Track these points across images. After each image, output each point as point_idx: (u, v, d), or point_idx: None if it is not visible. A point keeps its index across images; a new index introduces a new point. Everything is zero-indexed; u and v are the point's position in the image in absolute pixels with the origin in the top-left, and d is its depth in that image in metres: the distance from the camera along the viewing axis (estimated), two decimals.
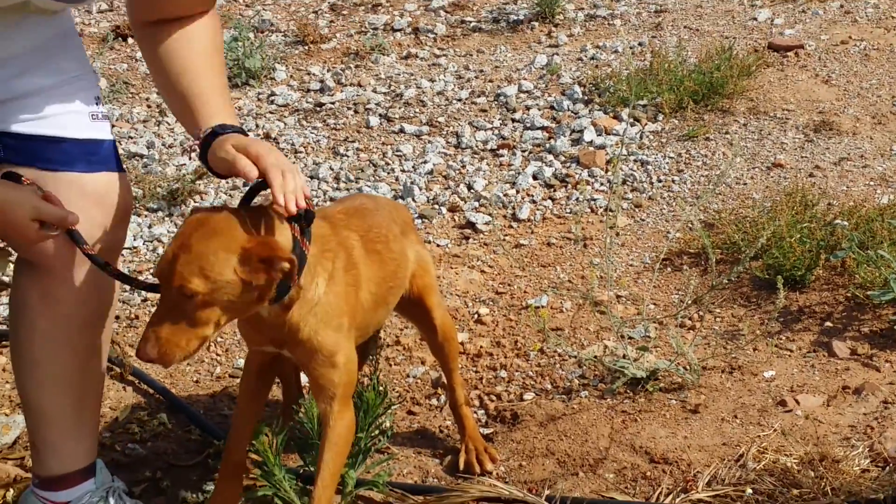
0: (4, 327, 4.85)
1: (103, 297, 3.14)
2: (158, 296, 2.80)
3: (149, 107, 7.31)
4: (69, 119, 3.00)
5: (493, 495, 3.53)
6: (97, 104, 3.09)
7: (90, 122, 3.05)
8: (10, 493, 3.65)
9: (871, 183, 5.76)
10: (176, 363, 2.79)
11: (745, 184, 5.86)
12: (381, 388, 3.51)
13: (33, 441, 3.26)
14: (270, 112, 7.15)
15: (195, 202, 5.93)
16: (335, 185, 6.13)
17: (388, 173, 6.24)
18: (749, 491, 3.53)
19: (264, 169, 2.75)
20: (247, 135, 2.94)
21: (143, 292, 4.87)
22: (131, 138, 6.75)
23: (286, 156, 6.48)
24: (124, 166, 3.22)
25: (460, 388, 3.87)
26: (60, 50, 2.99)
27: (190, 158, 2.98)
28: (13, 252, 3.19)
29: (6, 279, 4.07)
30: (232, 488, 3.39)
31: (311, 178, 6.23)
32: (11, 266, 3.29)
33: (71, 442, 3.24)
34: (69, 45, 3.04)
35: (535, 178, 6.08)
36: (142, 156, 6.52)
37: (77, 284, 3.05)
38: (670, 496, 3.56)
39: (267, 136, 6.77)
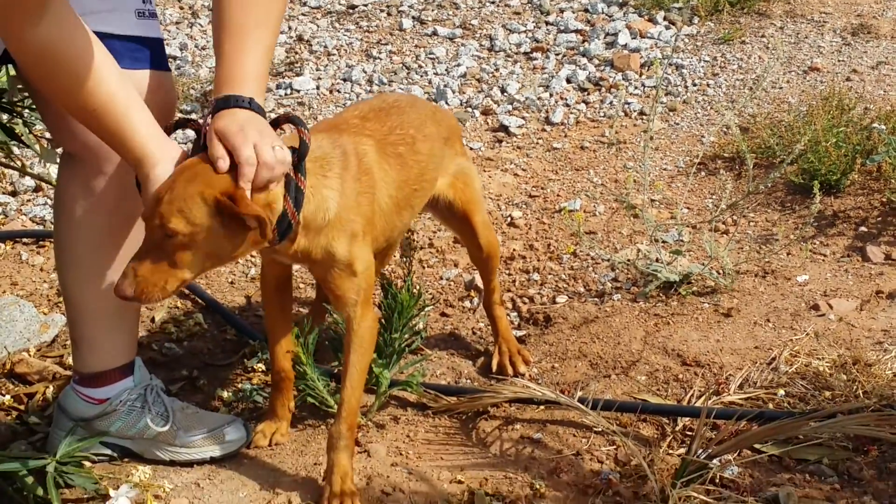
0: (42, 228, 4.90)
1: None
2: None
3: (181, 8, 7.29)
4: (115, 16, 2.99)
5: (526, 396, 3.56)
6: (145, 2, 3.08)
7: (136, 20, 3.04)
8: (50, 390, 3.71)
9: None
10: (153, 302, 2.79)
11: (781, 88, 5.81)
12: (414, 290, 3.52)
13: (73, 338, 3.29)
14: (303, 14, 7.11)
15: None
16: (368, 88, 6.12)
17: (421, 76, 6.21)
18: (781, 393, 3.54)
19: (238, 163, 2.75)
20: (248, 108, 2.88)
21: None
22: (164, 40, 6.72)
23: (319, 58, 6.48)
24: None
25: (496, 291, 3.88)
26: None
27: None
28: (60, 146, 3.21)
29: (50, 178, 4.10)
30: (284, 394, 3.46)
31: (344, 80, 6.21)
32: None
33: (110, 339, 3.27)
34: None
35: (568, 81, 6.05)
36: (175, 58, 6.51)
37: (118, 179, 3.07)
38: (702, 398, 3.57)
39: (300, 39, 6.74)
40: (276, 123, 2.95)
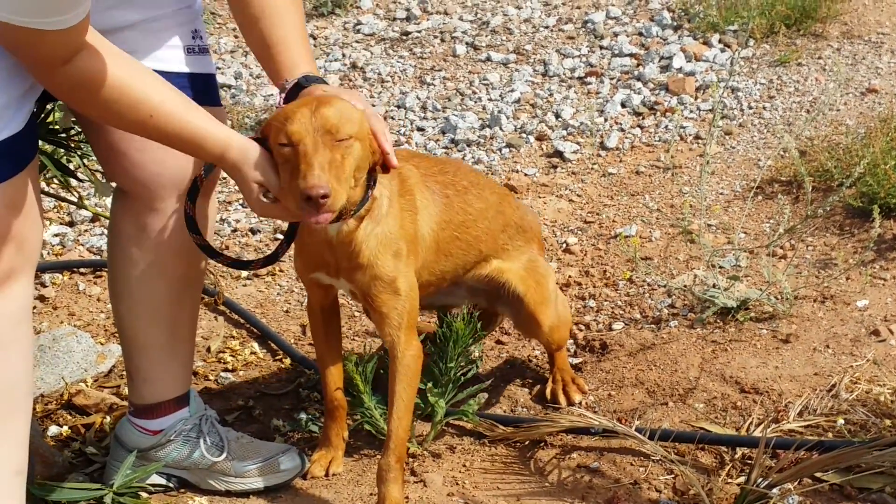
0: (99, 258, 4.93)
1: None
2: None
3: (236, 37, 7.33)
4: (165, 53, 3.01)
5: (583, 425, 3.54)
6: (195, 38, 3.09)
7: (185, 56, 3.06)
8: (107, 421, 3.73)
9: None
10: (331, 210, 2.75)
11: (839, 110, 5.76)
12: (470, 319, 3.51)
13: (129, 370, 3.31)
14: (357, 41, 7.14)
15: None
16: (422, 115, 6.13)
17: (475, 102, 6.21)
18: (840, 421, 3.50)
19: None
20: (326, 83, 3.02)
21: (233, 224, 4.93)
22: (219, 69, 6.78)
23: (373, 85, 6.50)
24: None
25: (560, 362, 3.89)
26: None
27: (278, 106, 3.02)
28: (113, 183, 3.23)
29: (105, 211, 4.13)
30: (338, 423, 3.47)
31: (398, 107, 6.22)
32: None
33: (165, 371, 3.29)
34: None
35: (623, 105, 6.03)
36: (229, 86, 6.55)
37: (170, 214, 3.08)
38: (761, 426, 3.53)
39: (353, 66, 6.77)
40: None
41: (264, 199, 2.86)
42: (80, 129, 3.53)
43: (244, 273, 4.73)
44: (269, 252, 3.20)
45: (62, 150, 3.64)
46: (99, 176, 3.67)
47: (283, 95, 3.01)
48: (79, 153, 3.68)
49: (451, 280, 3.52)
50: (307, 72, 3.04)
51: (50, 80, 2.59)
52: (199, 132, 2.78)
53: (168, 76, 2.95)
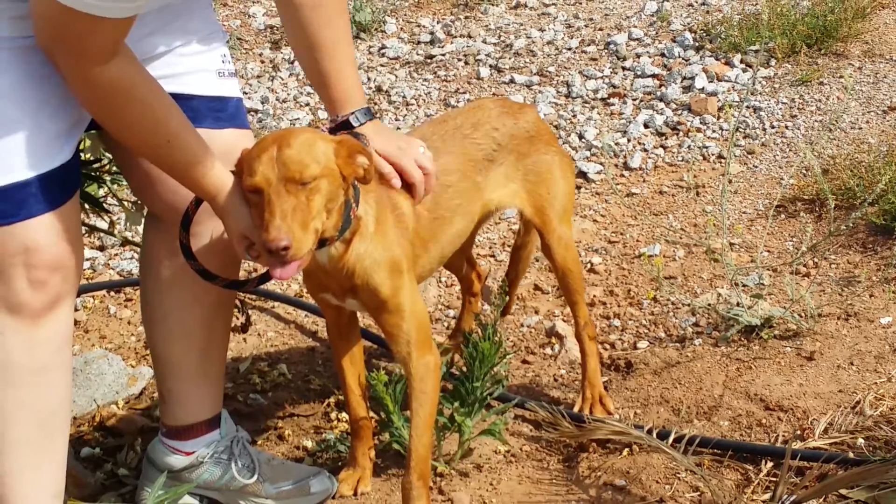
0: (126, 278, 4.98)
1: (229, 251, 3.22)
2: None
3: (262, 62, 7.40)
4: (196, 77, 3.07)
5: (624, 431, 3.53)
6: (224, 62, 3.16)
7: (217, 80, 3.11)
8: (139, 442, 3.77)
9: None
10: (299, 257, 2.76)
11: (861, 128, 5.78)
12: (496, 339, 3.54)
13: (161, 391, 3.35)
14: (381, 65, 7.19)
15: None
16: None
17: None
18: (861, 441, 3.51)
19: (411, 182, 3.19)
20: (374, 118, 3.24)
21: None
22: (246, 94, 6.85)
23: (398, 108, 6.55)
24: None
25: (582, 322, 3.82)
26: (186, 11, 3.05)
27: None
28: (146, 208, 3.28)
29: (135, 237, 4.19)
30: (364, 442, 3.50)
31: None
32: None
33: (196, 392, 3.32)
34: (195, 5, 3.10)
35: (646, 126, 6.06)
36: (256, 111, 6.62)
37: (202, 239, 3.13)
38: (786, 443, 3.55)
39: (378, 90, 6.82)
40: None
41: (248, 256, 2.92)
42: (109, 160, 3.59)
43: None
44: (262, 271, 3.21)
45: (89, 181, 3.69)
46: (128, 204, 3.73)
47: (329, 128, 3.18)
48: (107, 182, 3.74)
49: (451, 250, 3.51)
50: (358, 107, 3.19)
51: (88, 81, 2.64)
52: (205, 168, 2.84)
53: (201, 100, 3.02)
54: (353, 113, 3.19)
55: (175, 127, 2.78)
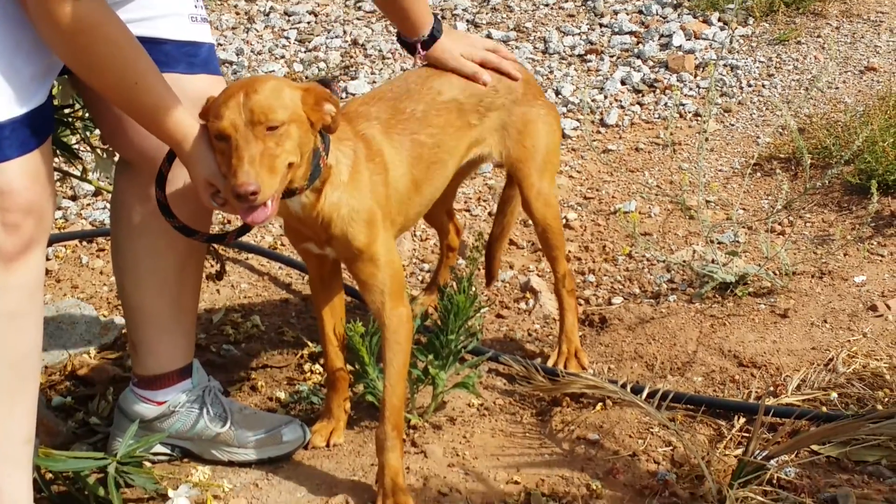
0: (98, 228, 4.95)
1: (199, 200, 3.19)
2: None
3: (237, 14, 7.34)
4: (169, 21, 3.03)
5: (599, 386, 3.53)
6: (196, 7, 3.12)
7: (189, 24, 3.08)
8: (111, 391, 3.75)
9: None
10: (268, 197, 2.75)
11: (837, 88, 5.78)
12: (470, 292, 3.53)
13: (132, 341, 3.33)
14: (357, 18, 7.15)
15: None
16: None
17: None
18: (834, 395, 3.52)
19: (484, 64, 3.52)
20: (441, 24, 3.54)
21: None
22: (220, 45, 6.79)
23: (374, 62, 6.52)
24: None
25: (561, 274, 3.79)
26: None
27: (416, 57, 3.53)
28: (116, 154, 3.25)
29: (108, 185, 4.15)
30: (339, 394, 3.49)
31: None
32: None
33: (168, 342, 3.30)
34: None
35: (622, 83, 6.05)
36: (231, 63, 6.56)
37: (175, 184, 3.10)
38: (759, 400, 3.56)
39: (354, 43, 6.78)
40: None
41: (214, 203, 2.90)
42: (81, 106, 3.55)
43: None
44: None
45: (62, 127, 3.66)
46: (100, 151, 3.69)
47: (422, 44, 3.49)
48: (79, 129, 3.71)
49: (440, 191, 3.50)
50: (432, 22, 3.48)
51: (54, 18, 2.59)
52: (172, 113, 2.80)
53: (174, 44, 2.99)
54: (432, 28, 3.47)
55: (142, 68, 2.75)
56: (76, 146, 3.84)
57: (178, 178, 3.07)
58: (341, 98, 3.13)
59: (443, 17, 6.99)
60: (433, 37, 3.46)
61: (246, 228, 3.12)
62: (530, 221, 3.79)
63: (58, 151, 3.59)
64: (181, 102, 2.82)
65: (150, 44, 2.84)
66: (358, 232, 3.08)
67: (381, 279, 3.14)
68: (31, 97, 2.70)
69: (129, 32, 2.73)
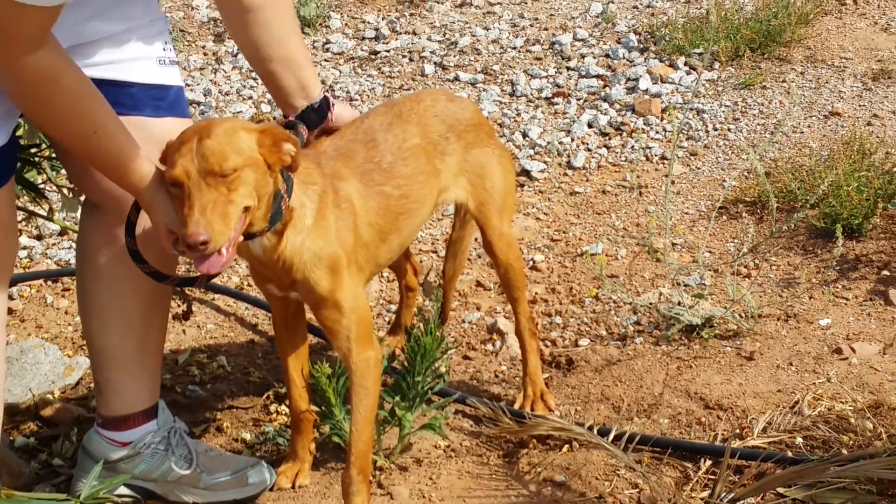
0: (63, 268, 4.92)
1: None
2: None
3: (205, 54, 7.35)
4: (137, 65, 3.03)
5: (566, 428, 3.53)
6: (165, 49, 3.12)
7: (157, 67, 3.08)
8: (75, 432, 3.72)
9: None
10: (220, 245, 2.72)
11: (803, 132, 5.83)
12: (437, 334, 3.53)
13: (97, 381, 3.32)
14: (326, 60, 7.17)
15: None
16: None
17: None
18: (799, 440, 3.53)
19: None
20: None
21: None
22: (188, 86, 6.79)
23: (340, 103, 6.52)
24: None
25: (523, 317, 3.80)
26: None
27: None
28: (83, 194, 3.24)
29: (74, 225, 4.14)
30: (304, 436, 3.48)
31: None
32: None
33: (134, 383, 3.29)
34: None
35: (590, 126, 6.08)
36: (199, 103, 6.56)
37: (142, 227, 3.09)
38: (725, 442, 3.57)
39: (322, 84, 6.79)
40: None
41: (174, 250, 2.90)
42: (47, 145, 3.54)
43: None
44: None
45: (28, 166, 3.64)
46: (66, 191, 3.68)
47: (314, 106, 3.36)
48: (46, 169, 3.69)
49: (410, 240, 3.50)
50: (320, 88, 3.34)
51: (14, 70, 2.58)
52: (132, 161, 2.80)
53: (141, 87, 2.99)
54: (324, 92, 3.36)
55: (102, 118, 2.74)
56: (42, 186, 3.82)
57: (145, 220, 3.06)
58: (304, 140, 3.12)
59: (410, 60, 7.03)
60: (327, 101, 3.38)
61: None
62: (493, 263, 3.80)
63: (24, 190, 3.58)
64: (140, 150, 2.81)
65: (117, 87, 2.84)
66: (320, 278, 3.06)
67: (345, 325, 3.12)
68: None
69: (88, 81, 2.72)
